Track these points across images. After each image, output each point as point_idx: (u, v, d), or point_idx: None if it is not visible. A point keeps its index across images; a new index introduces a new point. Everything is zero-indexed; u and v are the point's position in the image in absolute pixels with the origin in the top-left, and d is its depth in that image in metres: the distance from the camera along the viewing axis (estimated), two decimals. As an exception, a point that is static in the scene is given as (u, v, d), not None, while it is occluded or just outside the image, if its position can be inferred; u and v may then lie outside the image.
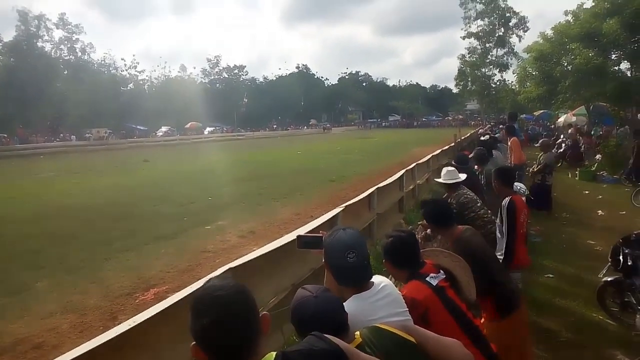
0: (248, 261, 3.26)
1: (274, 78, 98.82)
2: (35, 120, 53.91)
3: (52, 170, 22.17)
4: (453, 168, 4.77)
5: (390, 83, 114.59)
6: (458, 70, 57.69)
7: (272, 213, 10.36)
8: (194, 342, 1.24)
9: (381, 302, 1.85)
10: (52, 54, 64.10)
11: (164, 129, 62.35)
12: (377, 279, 1.96)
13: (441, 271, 2.42)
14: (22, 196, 13.78)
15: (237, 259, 5.51)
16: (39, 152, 36.78)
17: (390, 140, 39.92)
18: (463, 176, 4.66)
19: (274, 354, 1.25)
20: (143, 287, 5.80)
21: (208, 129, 67.57)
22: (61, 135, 52.20)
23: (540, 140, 11.79)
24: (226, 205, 11.34)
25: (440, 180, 4.73)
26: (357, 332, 1.56)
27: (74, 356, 1.93)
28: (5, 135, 45.08)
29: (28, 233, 8.86)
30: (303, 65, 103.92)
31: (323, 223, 4.64)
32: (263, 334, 1.28)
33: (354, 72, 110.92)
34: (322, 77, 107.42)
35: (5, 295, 5.70)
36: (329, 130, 74.30)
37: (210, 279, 1.35)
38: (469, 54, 56.22)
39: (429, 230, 3.77)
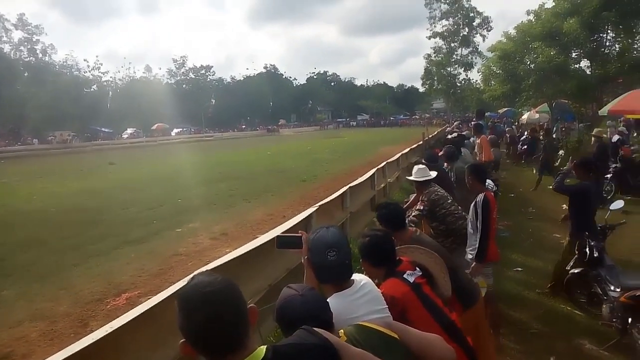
0: (223, 263, 3.25)
1: (242, 78, 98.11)
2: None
3: (15, 175, 21.44)
4: (424, 166, 4.86)
5: (358, 83, 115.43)
6: (424, 69, 58.46)
7: (244, 214, 10.31)
8: (183, 340, 1.23)
9: (361, 300, 1.89)
10: (12, 55, 62.06)
11: (129, 130, 61.12)
12: (357, 277, 2.00)
13: (417, 268, 2.47)
14: (-17, 202, 13.28)
15: (210, 261, 5.49)
16: (-1, 156, 35.57)
17: (359, 139, 40.18)
18: (434, 174, 4.76)
19: (264, 347, 1.25)
20: (114, 292, 5.69)
21: (175, 130, 66.59)
22: (23, 139, 50.55)
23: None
24: (197, 207, 11.22)
25: (411, 177, 4.82)
26: (341, 331, 1.59)
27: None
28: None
29: (-10, 240, 8.57)
30: (271, 65, 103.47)
31: (298, 223, 4.66)
32: (251, 326, 1.28)
33: (322, 72, 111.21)
34: (290, 77, 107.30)
35: (-31, 306, 5.50)
36: (276, 132, 68.02)
37: (195, 274, 1.33)
38: (434, 53, 57.02)
39: None
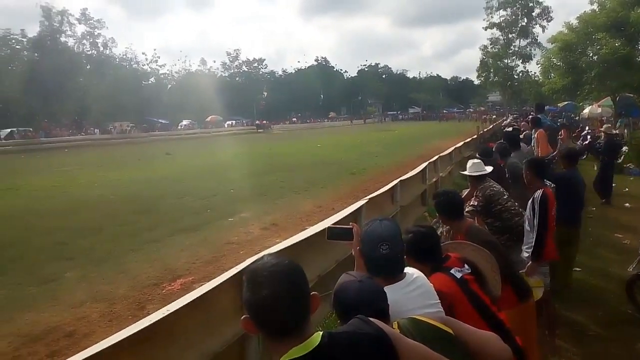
0: (276, 252, 3.29)
1: (293, 71, 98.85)
2: (59, 114, 55.02)
3: (77, 163, 22.60)
4: (479, 160, 4.71)
5: (410, 75, 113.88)
6: (480, 61, 56.99)
7: (294, 205, 10.42)
8: (246, 316, 1.26)
9: (414, 293, 1.86)
10: (75, 49, 65.12)
11: (184, 122, 63.00)
12: (409, 270, 1.97)
13: (466, 265, 2.41)
14: (48, 189, 14.07)
15: (260, 250, 5.58)
16: (63, 145, 37.50)
17: (410, 132, 39.69)
18: (489, 169, 4.61)
19: (320, 333, 1.26)
20: (169, 277, 5.90)
21: (228, 122, 68.04)
22: (85, 129, 53.14)
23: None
24: (248, 198, 11.43)
25: (465, 172, 4.69)
26: (395, 322, 1.57)
27: (115, 341, 1.97)
28: (31, 129, 46.05)
29: (55, 225, 9.06)
30: (322, 58, 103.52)
31: (347, 215, 4.65)
32: (312, 313, 1.30)
33: (373, 64, 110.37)
34: (341, 69, 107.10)
35: (36, 285, 5.85)
36: (268, 129, 56.45)
37: (263, 255, 1.37)
38: (491, 44, 55.46)
39: None
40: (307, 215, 9.40)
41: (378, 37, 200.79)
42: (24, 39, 61.44)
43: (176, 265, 6.41)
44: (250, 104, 78.85)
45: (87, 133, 50.20)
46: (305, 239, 3.71)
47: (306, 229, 5.97)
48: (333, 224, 3.44)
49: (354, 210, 4.87)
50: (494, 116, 36.39)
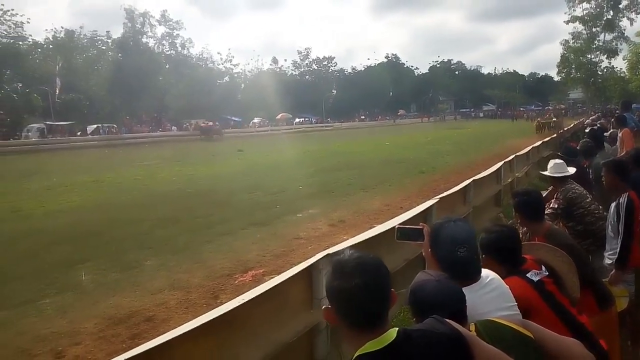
0: (345, 248, 3.32)
1: (363, 68, 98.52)
2: (140, 111, 58.33)
3: (156, 158, 23.86)
4: (561, 161, 4.47)
5: (484, 71, 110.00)
6: (561, 56, 53.99)
7: (362, 203, 10.41)
8: (328, 306, 1.29)
9: (489, 295, 1.81)
10: (155, 49, 68.70)
11: (256, 120, 64.69)
12: (484, 272, 1.92)
13: (543, 268, 2.31)
14: (130, 182, 14.98)
15: (329, 246, 5.63)
16: (143, 141, 39.75)
17: (483, 131, 38.39)
18: (572, 170, 4.36)
19: (395, 329, 1.28)
20: (241, 269, 6.10)
21: (297, 119, 69.07)
22: (163, 125, 55.97)
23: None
24: (316, 195, 11.56)
25: (546, 173, 4.45)
26: (472, 324, 1.54)
27: (195, 325, 2.09)
28: (115, 126, 49.14)
29: (137, 217, 9.62)
30: (392, 54, 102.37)
31: (416, 215, 4.59)
32: (389, 308, 1.32)
33: (445, 60, 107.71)
34: (411, 66, 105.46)
35: (119, 272, 6.24)
36: (218, 135, 42.16)
37: (344, 248, 1.41)
38: (573, 39, 52.42)
39: None
40: (374, 213, 9.37)
41: (451, 32, 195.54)
42: (109, 40, 65.98)
43: (247, 257, 6.62)
44: (320, 102, 79.59)
45: (165, 129, 52.81)
46: (374, 236, 3.71)
47: (374, 227, 5.97)
48: (401, 224, 3.42)
49: (424, 210, 4.80)
50: (554, 118, 33.21)
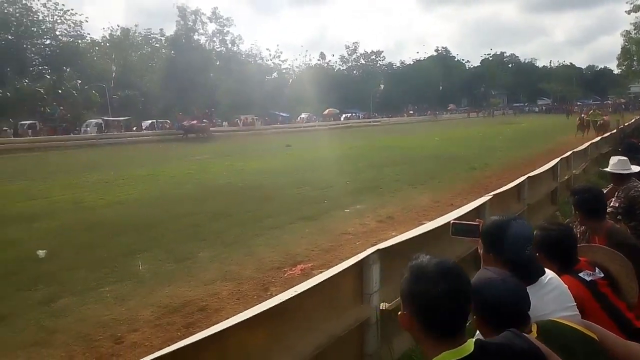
0: (395, 244, 3.31)
1: (412, 62, 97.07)
2: (192, 107, 59.89)
3: (207, 153, 24.48)
4: (625, 158, 4.26)
5: (539, 64, 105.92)
6: (621, 48, 51.16)
7: (410, 199, 10.30)
8: (404, 311, 1.25)
9: (550, 295, 1.76)
10: (206, 46, 70.20)
11: (303, 115, 65.06)
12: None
13: (597, 269, 2.22)
14: (183, 176, 15.44)
15: (376, 242, 5.61)
16: (195, 136, 40.74)
17: (538, 125, 37.06)
18: (636, 168, 4.16)
19: (472, 340, 1.25)
20: (290, 262, 6.19)
21: (344, 115, 68.99)
22: (214, 121, 57.28)
23: None
24: (363, 190, 11.53)
25: (609, 169, 4.26)
26: (534, 324, 1.50)
27: (250, 315, 2.14)
28: (168, 121, 50.70)
29: (190, 209, 9.92)
30: (442, 48, 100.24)
31: (469, 212, 4.51)
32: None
33: (498, 53, 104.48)
34: (462, 59, 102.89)
35: (174, 262, 6.46)
36: (204, 134, 38.75)
37: (417, 255, 1.36)
38: (635, 30, 49.47)
39: None
40: (423, 209, 9.26)
41: (504, 24, 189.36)
42: (162, 38, 68.21)
43: (296, 251, 6.70)
44: (367, 97, 79.13)
45: (215, 125, 54.03)
46: (426, 232, 3.68)
47: (423, 223, 5.90)
48: (456, 219, 3.37)
49: (477, 207, 4.71)
50: (603, 117, 26.16)
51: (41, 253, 6.81)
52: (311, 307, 2.63)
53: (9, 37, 58.08)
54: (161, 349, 3.66)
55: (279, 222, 8.58)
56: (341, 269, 2.83)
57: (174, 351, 1.84)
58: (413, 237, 3.59)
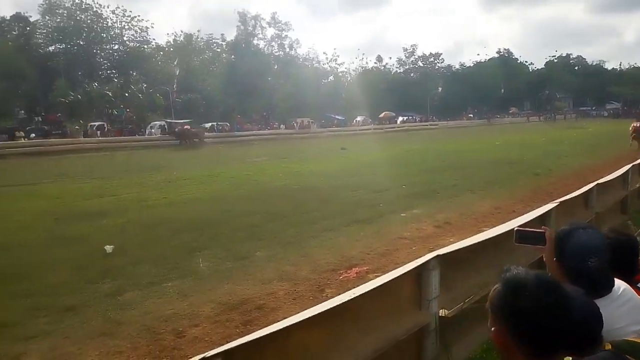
0: (456, 250, 3.25)
1: (472, 64, 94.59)
2: (250, 110, 61.29)
3: (264, 155, 24.95)
4: None
5: (608, 66, 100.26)
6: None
7: (469, 205, 10.05)
8: (497, 327, 1.19)
9: (623, 308, 1.66)
10: (265, 50, 71.66)
11: (359, 118, 64.92)
12: (616, 282, 1.77)
13: None
14: (241, 177, 15.80)
15: (434, 248, 5.54)
16: (253, 139, 41.74)
17: (606, 131, 35.15)
18: None
19: (569, 359, 1.18)
20: (345, 265, 6.20)
21: (400, 118, 68.28)
22: (271, 124, 58.32)
23: None
24: (420, 194, 11.37)
25: None
26: (608, 344, 1.40)
27: (310, 315, 2.17)
28: (228, 124, 52.11)
29: (248, 210, 10.13)
30: (504, 50, 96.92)
31: (533, 219, 4.35)
32: None
33: (564, 54, 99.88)
34: (526, 61, 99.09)
35: (232, 261, 6.62)
36: (197, 142, 34.63)
37: (508, 266, 1.28)
38: None
39: None
40: (483, 215, 9.01)
41: (570, 25, 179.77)
42: (223, 43, 70.23)
43: (351, 254, 6.70)
44: (424, 100, 77.92)
45: (272, 128, 54.99)
46: (489, 238, 3.59)
47: (483, 230, 5.75)
48: (521, 226, 3.27)
49: (542, 214, 4.54)
50: None
51: (109, 248, 7.16)
52: (370, 309, 2.64)
53: (81, 42, 61.97)
54: (221, 344, 3.77)
55: (334, 224, 8.61)
56: (400, 274, 2.81)
57: (238, 346, 1.90)
58: (474, 244, 3.51)
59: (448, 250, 3.21)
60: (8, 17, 59.03)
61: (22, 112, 52.05)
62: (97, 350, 4.07)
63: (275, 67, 71.26)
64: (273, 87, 64.25)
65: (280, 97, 62.67)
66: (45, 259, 6.85)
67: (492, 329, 1.22)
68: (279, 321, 2.98)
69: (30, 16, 60.23)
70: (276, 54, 73.27)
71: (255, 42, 69.77)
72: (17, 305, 5.14)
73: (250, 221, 9.02)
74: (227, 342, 1.94)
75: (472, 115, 79.23)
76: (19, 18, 59.22)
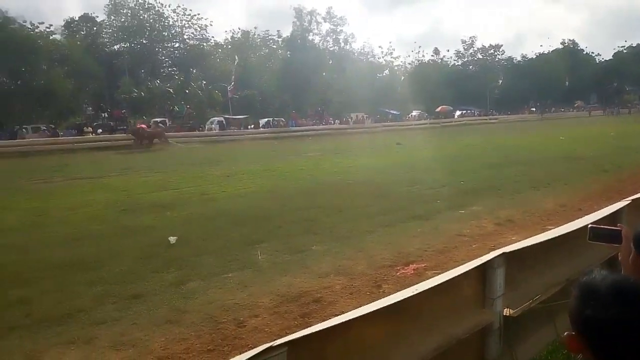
0: (522, 248, 3.14)
1: (534, 56, 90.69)
2: (305, 106, 61.76)
3: (319, 150, 25.09)
4: None
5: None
6: None
7: (532, 202, 9.67)
8: (570, 332, 1.14)
9: None
10: (320, 45, 71.84)
11: (414, 112, 63.97)
12: None
13: None
14: (297, 172, 15.99)
15: (495, 246, 5.39)
16: (307, 134, 42.06)
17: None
18: None
19: None
20: (403, 261, 6.13)
21: (458, 112, 66.68)
22: (325, 119, 58.55)
23: None
24: (479, 191, 11.07)
25: None
26: None
27: (371, 310, 2.17)
28: (283, 119, 52.82)
29: (304, 204, 10.24)
30: (569, 40, 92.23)
31: (603, 218, 4.13)
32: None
33: (634, 45, 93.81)
34: (592, 52, 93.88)
35: (289, 254, 6.71)
36: (158, 143, 31.40)
37: (590, 269, 1.22)
38: None
39: None
40: (547, 213, 8.65)
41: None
42: (279, 39, 71.07)
43: (408, 250, 6.62)
44: (483, 93, 75.60)
45: (327, 123, 55.20)
46: (558, 236, 3.45)
47: (548, 228, 5.53)
48: (594, 223, 3.12)
49: (613, 212, 4.31)
50: None
51: (172, 239, 7.45)
52: (432, 306, 2.60)
53: (144, 41, 64.66)
54: (280, 335, 3.85)
55: (390, 219, 8.54)
56: (464, 271, 2.76)
57: (302, 337, 1.92)
58: (541, 242, 3.38)
59: (514, 248, 3.11)
60: (77, 18, 62.46)
61: (90, 108, 54.98)
62: (163, 337, 4.24)
63: (330, 62, 71.27)
64: (327, 82, 64.33)
65: (335, 92, 62.68)
66: (113, 248, 7.21)
67: (565, 333, 1.16)
68: (337, 315, 3.01)
69: (97, 16, 63.47)
70: (331, 49, 73.27)
71: (310, 37, 70.06)
72: (89, 292, 5.43)
73: (306, 215, 9.11)
74: (287, 334, 1.98)
75: (534, 109, 76.11)
76: (86, 18, 62.49)
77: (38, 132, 38.29)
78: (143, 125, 34.42)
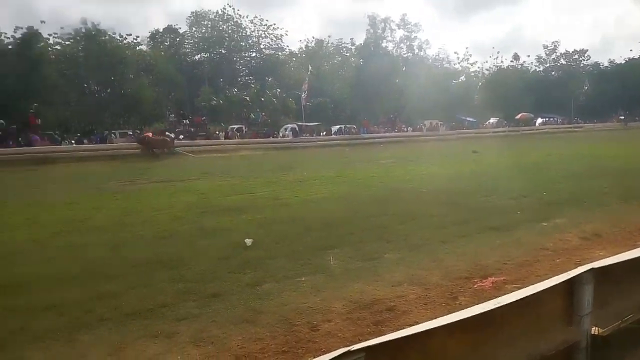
0: (613, 264, 2.94)
1: (624, 62, 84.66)
2: (377, 113, 61.54)
3: (391, 157, 24.90)
4: None
5: None
6: None
7: (622, 216, 9.02)
8: None
9: None
10: (393, 52, 71.42)
11: (492, 120, 61.80)
12: None
13: None
14: (368, 179, 15.96)
15: (580, 261, 5.08)
16: (379, 141, 41.98)
17: None
18: None
19: None
20: (480, 273, 5.91)
21: (540, 120, 63.60)
22: (398, 126, 58.01)
23: None
24: (563, 203, 10.48)
25: None
26: None
27: (453, 320, 2.12)
28: (355, 126, 52.96)
29: (376, 211, 10.18)
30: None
31: None
32: None
33: None
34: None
35: (362, 261, 6.68)
36: (163, 152, 31.60)
37: None
38: None
39: None
40: (638, 228, 8.03)
41: None
42: (352, 47, 71.41)
43: (486, 262, 6.38)
44: (567, 100, 71.60)
45: (399, 130, 54.65)
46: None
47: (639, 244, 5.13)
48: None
49: None
50: None
51: (248, 241, 7.67)
52: (514, 321, 2.49)
53: (223, 51, 67.52)
54: (353, 341, 3.86)
55: (465, 230, 8.29)
56: (549, 285, 2.61)
57: (380, 343, 1.91)
58: (632, 259, 3.15)
59: (604, 264, 2.91)
60: (161, 30, 66.45)
61: (172, 115, 58.06)
62: (240, 335, 4.37)
63: (404, 68, 70.62)
64: (400, 89, 63.73)
65: (408, 99, 61.95)
66: (193, 248, 7.57)
67: None
68: (411, 325, 2.96)
69: (180, 28, 67.31)
70: (405, 55, 72.64)
71: (383, 44, 69.90)
72: (171, 288, 5.72)
73: (378, 222, 9.06)
74: (359, 340, 1.98)
75: (622, 117, 70.96)
76: (170, 30, 66.41)
77: (125, 137, 41.03)
78: (149, 134, 34.91)
